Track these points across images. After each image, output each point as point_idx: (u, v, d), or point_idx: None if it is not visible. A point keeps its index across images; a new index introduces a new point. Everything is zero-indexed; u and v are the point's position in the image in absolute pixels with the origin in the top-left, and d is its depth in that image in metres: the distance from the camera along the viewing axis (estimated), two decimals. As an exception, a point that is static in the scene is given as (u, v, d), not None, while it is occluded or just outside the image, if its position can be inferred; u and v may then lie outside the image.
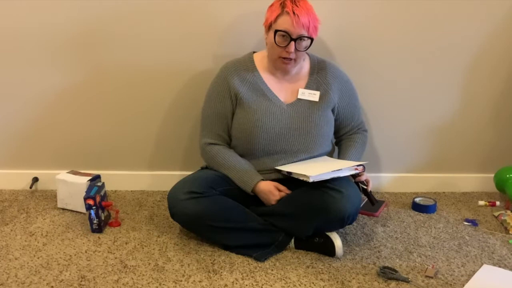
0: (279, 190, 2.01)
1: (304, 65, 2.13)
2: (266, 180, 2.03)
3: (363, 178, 2.06)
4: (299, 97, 2.08)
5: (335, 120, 2.15)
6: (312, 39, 1.97)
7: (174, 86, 2.39)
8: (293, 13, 1.90)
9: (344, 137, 2.22)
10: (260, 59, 2.11)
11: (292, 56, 1.97)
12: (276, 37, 1.95)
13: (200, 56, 2.34)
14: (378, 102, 2.43)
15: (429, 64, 2.40)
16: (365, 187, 2.06)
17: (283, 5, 1.94)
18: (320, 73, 2.12)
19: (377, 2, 2.29)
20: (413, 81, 2.42)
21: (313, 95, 2.08)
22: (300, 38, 1.94)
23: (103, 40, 2.32)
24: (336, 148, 2.26)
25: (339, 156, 2.17)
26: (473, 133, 2.53)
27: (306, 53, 2.15)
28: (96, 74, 2.37)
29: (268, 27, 1.98)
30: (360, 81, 2.31)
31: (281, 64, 2.02)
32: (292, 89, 2.10)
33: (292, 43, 1.93)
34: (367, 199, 2.41)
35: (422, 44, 2.36)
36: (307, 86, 2.10)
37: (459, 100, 2.47)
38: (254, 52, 2.15)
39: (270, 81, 2.09)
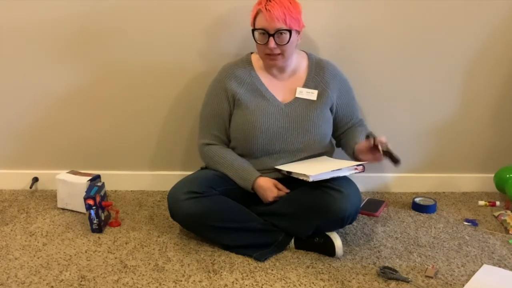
0: (278, 189, 2.02)
1: (302, 64, 2.13)
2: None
3: (378, 140, 1.93)
4: (297, 96, 2.08)
5: (334, 119, 2.15)
6: (291, 31, 1.95)
7: (174, 86, 2.39)
8: (266, 9, 1.93)
9: (346, 131, 2.19)
10: (258, 60, 2.11)
11: (276, 51, 1.98)
12: (256, 36, 1.98)
13: (201, 56, 2.34)
14: (378, 102, 2.43)
15: (429, 64, 2.40)
16: (384, 148, 1.92)
17: (259, 4, 1.97)
18: (318, 72, 2.12)
19: (376, 2, 2.29)
20: (413, 81, 2.42)
21: (311, 94, 2.08)
22: (279, 32, 1.94)
23: (103, 40, 2.32)
24: (336, 149, 2.25)
25: (349, 144, 2.12)
26: (473, 133, 2.53)
27: (305, 52, 2.16)
28: (96, 75, 2.37)
29: (252, 29, 2.01)
30: (360, 81, 2.31)
31: (268, 61, 2.03)
32: (290, 88, 2.10)
33: (271, 38, 1.94)
34: (367, 199, 2.43)
35: (422, 45, 2.36)
36: (305, 85, 2.10)
37: (459, 100, 2.47)
38: (252, 53, 2.15)
39: (268, 81, 2.10)
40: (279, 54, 1.99)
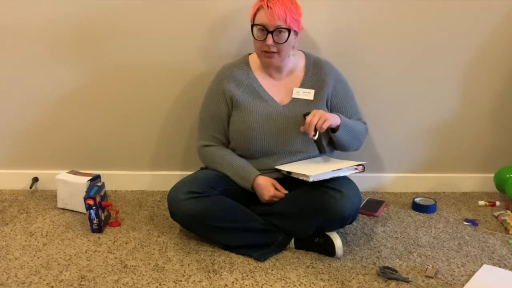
0: (277, 189, 2.01)
1: (299, 64, 2.13)
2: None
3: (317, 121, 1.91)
4: (293, 96, 2.08)
5: None
6: (290, 31, 1.96)
7: (174, 86, 2.39)
8: (267, 6, 1.93)
9: None
10: (255, 60, 2.12)
11: (273, 49, 1.98)
12: (255, 31, 1.98)
13: (201, 56, 2.34)
14: (378, 103, 2.43)
15: (429, 64, 2.40)
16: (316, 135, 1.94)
17: (260, 0, 1.97)
18: (315, 71, 2.12)
19: (377, 3, 2.29)
20: (413, 81, 2.42)
21: (308, 94, 2.09)
22: (278, 30, 1.95)
23: (103, 40, 2.32)
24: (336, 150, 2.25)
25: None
26: (473, 133, 2.53)
27: (303, 51, 2.15)
28: (96, 75, 2.37)
29: (251, 24, 2.01)
30: (360, 81, 2.31)
31: (264, 58, 2.03)
32: (287, 89, 2.10)
33: (269, 35, 1.95)
34: (367, 199, 2.43)
35: (422, 44, 2.36)
36: (302, 85, 2.10)
37: (459, 100, 2.47)
38: (250, 54, 2.15)
39: (265, 82, 2.10)
40: (275, 52, 1.99)
